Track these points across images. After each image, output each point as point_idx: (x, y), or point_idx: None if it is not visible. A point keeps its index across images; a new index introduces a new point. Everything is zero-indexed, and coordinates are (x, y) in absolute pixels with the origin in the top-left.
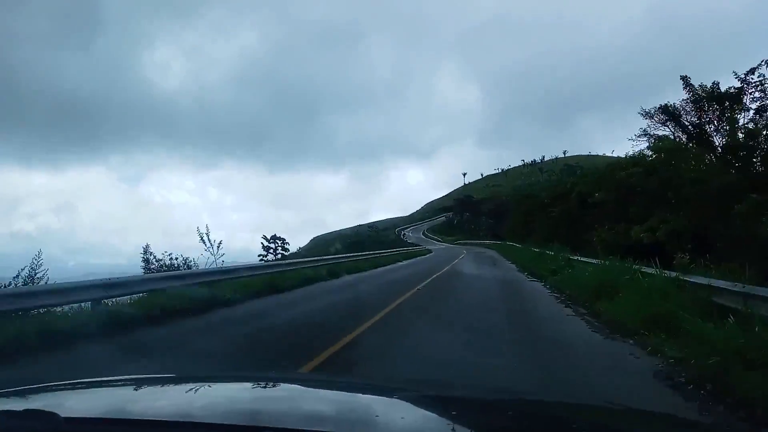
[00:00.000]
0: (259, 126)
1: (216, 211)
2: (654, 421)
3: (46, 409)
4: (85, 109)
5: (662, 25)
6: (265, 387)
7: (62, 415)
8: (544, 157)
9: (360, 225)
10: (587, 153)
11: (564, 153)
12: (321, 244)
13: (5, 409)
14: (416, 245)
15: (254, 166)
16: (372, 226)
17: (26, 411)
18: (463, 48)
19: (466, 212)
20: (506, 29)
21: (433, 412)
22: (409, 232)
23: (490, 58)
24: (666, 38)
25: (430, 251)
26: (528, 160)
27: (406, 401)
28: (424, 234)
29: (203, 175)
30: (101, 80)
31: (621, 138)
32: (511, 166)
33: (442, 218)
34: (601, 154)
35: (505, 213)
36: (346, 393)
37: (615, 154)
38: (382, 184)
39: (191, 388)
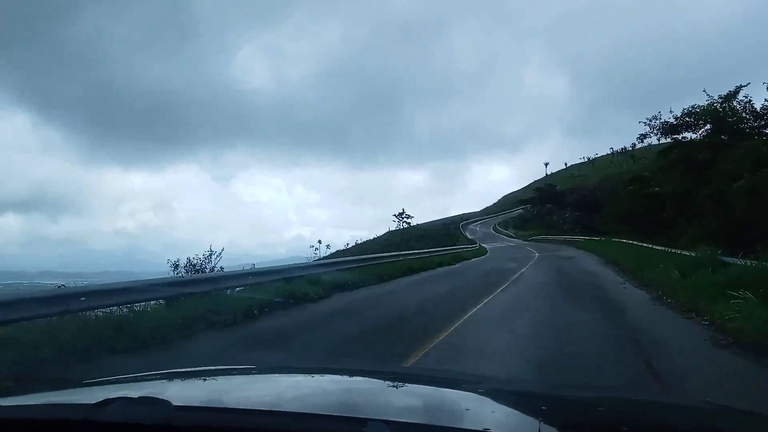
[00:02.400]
0: (342, 123)
1: (301, 208)
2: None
3: (159, 397)
4: (177, 112)
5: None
6: (371, 378)
7: (173, 403)
8: (635, 144)
9: (434, 220)
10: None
11: (658, 139)
12: (369, 241)
13: (121, 395)
14: (471, 244)
15: (338, 163)
16: (411, 225)
17: (141, 398)
18: (550, 35)
19: (546, 203)
20: (596, 14)
21: (522, 408)
22: (476, 226)
23: (579, 45)
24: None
25: (483, 252)
26: (617, 148)
27: (492, 396)
28: (494, 228)
29: (289, 173)
30: (192, 84)
31: None
32: (598, 155)
33: (519, 211)
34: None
35: (593, 204)
36: (431, 387)
37: None
38: (464, 178)
39: (292, 379)
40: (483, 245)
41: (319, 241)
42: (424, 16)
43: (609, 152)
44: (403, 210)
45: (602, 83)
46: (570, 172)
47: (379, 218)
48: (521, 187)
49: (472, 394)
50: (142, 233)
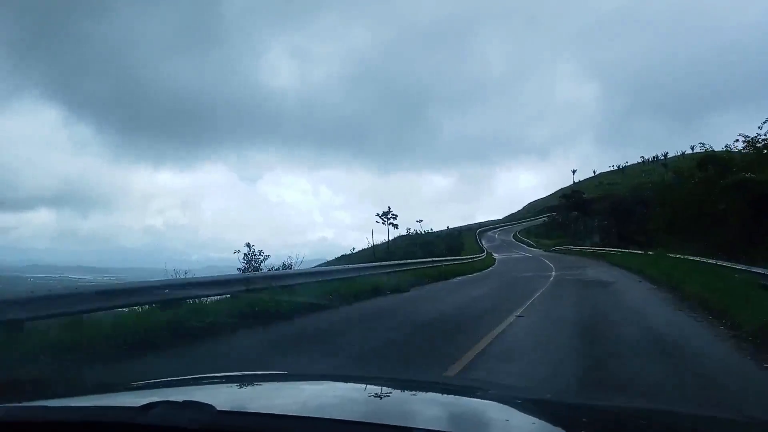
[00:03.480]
0: (368, 126)
1: (326, 210)
2: None
3: (203, 401)
4: (205, 112)
5: None
6: (410, 388)
7: (217, 408)
8: (667, 153)
9: (456, 227)
10: (721, 148)
11: (692, 148)
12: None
13: (166, 399)
14: (478, 254)
15: (362, 165)
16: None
17: (185, 402)
18: (582, 41)
19: (573, 211)
20: (630, 22)
21: (561, 419)
22: (495, 233)
23: (611, 52)
24: None
25: (485, 266)
26: (648, 156)
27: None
28: (514, 236)
29: (314, 174)
30: (220, 84)
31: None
32: (629, 163)
33: (543, 218)
34: (737, 149)
35: (623, 213)
36: (469, 397)
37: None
38: (490, 185)
39: (334, 386)
40: (495, 255)
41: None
42: (452, 20)
43: (640, 161)
44: (389, 209)
45: (633, 91)
46: (599, 179)
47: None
48: (547, 195)
49: (508, 405)
50: (169, 231)
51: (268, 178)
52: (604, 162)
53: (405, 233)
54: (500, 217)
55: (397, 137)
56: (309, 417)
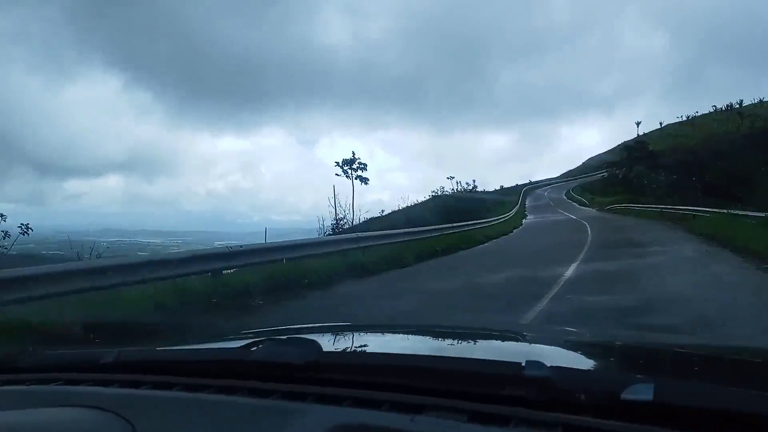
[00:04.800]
0: (423, 83)
1: (381, 173)
2: None
3: (308, 338)
4: (262, 74)
5: None
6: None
7: (323, 347)
8: (742, 101)
9: (506, 187)
10: None
11: None
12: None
13: (270, 337)
14: (501, 216)
15: (418, 125)
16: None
17: (289, 338)
18: None
19: (636, 164)
20: None
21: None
22: (545, 191)
23: None
24: None
25: (496, 236)
26: (720, 105)
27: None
28: (566, 194)
29: (369, 136)
30: (276, 45)
31: None
32: (699, 113)
33: (602, 174)
34: None
35: (695, 166)
36: (551, 339)
37: None
38: (551, 141)
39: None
40: (529, 218)
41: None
42: None
43: (711, 110)
44: (353, 155)
45: (704, 36)
46: (666, 131)
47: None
48: (609, 149)
49: (608, 347)
50: (231, 195)
51: (325, 141)
52: (673, 114)
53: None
54: (557, 175)
55: (454, 94)
56: (414, 354)
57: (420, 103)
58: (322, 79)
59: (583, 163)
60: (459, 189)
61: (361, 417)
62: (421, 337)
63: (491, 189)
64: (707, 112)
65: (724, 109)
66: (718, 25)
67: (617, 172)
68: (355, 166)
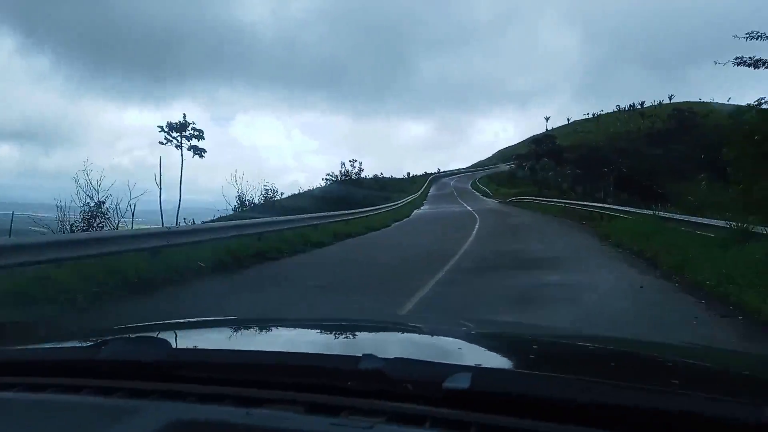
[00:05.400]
0: (345, 67)
1: (300, 155)
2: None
3: (158, 337)
4: (175, 46)
5: None
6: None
7: (172, 345)
8: (644, 102)
9: (414, 175)
10: (698, 100)
11: (670, 98)
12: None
13: (119, 336)
14: (399, 201)
15: (338, 109)
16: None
17: (139, 337)
18: None
19: (543, 158)
20: None
21: (513, 347)
22: (452, 180)
23: (597, 1)
24: None
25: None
26: (624, 105)
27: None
28: (472, 184)
29: (288, 117)
30: (189, 16)
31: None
32: (605, 112)
33: (509, 165)
34: (716, 101)
35: (598, 162)
36: (422, 330)
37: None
38: (468, 132)
39: (286, 328)
40: (422, 208)
41: None
42: None
43: (616, 110)
44: (184, 118)
45: (614, 41)
46: (573, 127)
47: (374, 168)
48: (518, 142)
49: (463, 337)
50: (138, 170)
51: (241, 120)
52: (581, 112)
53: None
54: (467, 165)
55: (376, 81)
56: (259, 351)
57: (342, 88)
58: (241, 56)
59: (494, 155)
60: (351, 173)
61: (200, 412)
62: (282, 331)
63: (400, 176)
64: (612, 111)
65: (627, 109)
66: (627, 30)
67: (524, 164)
68: (187, 133)
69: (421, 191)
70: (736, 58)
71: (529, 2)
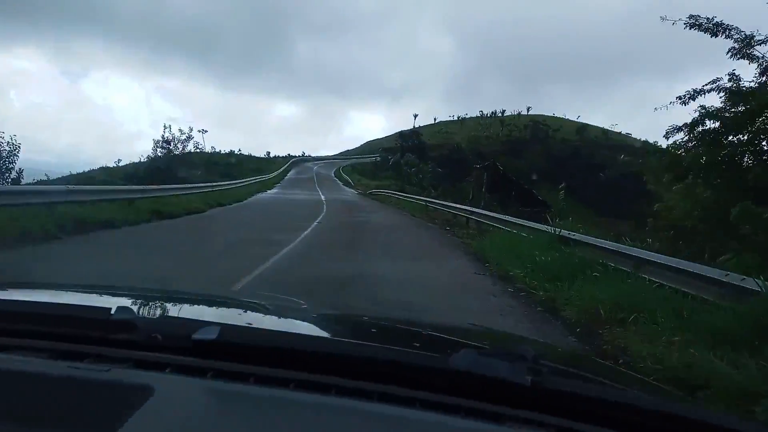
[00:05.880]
0: (215, 34)
1: (159, 122)
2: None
3: None
4: None
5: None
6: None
7: None
8: (504, 111)
9: (275, 156)
10: (551, 114)
11: (528, 110)
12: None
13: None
14: (244, 179)
15: (206, 78)
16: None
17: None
18: None
19: (408, 153)
20: None
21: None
22: (315, 165)
23: (473, 13)
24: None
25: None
26: (486, 112)
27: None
28: (336, 172)
29: (148, 80)
30: None
31: (588, 107)
32: (468, 116)
33: (375, 157)
34: (567, 117)
35: (459, 162)
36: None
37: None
38: (339, 121)
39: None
40: (272, 191)
41: None
42: None
43: (479, 115)
44: None
45: (483, 52)
46: (439, 127)
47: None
48: (387, 135)
49: (238, 305)
50: None
51: (97, 77)
52: (447, 113)
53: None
54: (335, 153)
55: (249, 55)
56: (19, 300)
57: (210, 57)
58: (96, 6)
59: (362, 146)
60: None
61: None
62: (53, 291)
63: (258, 155)
64: (475, 115)
65: (489, 115)
66: (495, 44)
67: (390, 157)
68: None
69: (277, 173)
70: None
71: (410, 2)
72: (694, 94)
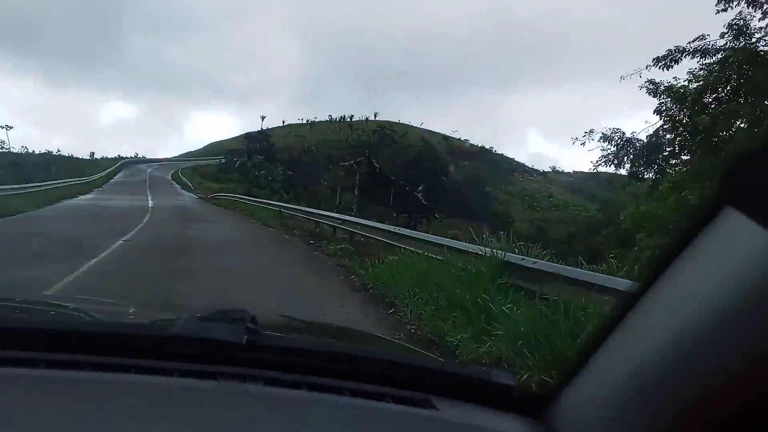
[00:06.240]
0: (38, 24)
1: None
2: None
3: None
4: None
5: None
6: None
7: None
8: (353, 116)
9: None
10: (397, 120)
11: (375, 116)
12: None
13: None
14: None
15: (27, 72)
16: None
17: None
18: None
19: (257, 154)
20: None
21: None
22: (149, 167)
23: (321, 18)
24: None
25: None
26: (335, 116)
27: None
28: (173, 176)
29: None
30: None
31: (430, 114)
32: (318, 119)
33: (220, 159)
34: (411, 123)
35: (310, 166)
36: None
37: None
38: (181, 121)
39: None
40: (85, 197)
41: None
42: None
43: (328, 119)
44: None
45: (331, 57)
46: (288, 130)
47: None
48: (234, 136)
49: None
50: None
51: None
52: (296, 116)
53: None
54: (177, 154)
55: (77, 47)
56: None
57: (33, 47)
58: None
59: (205, 147)
60: None
61: None
62: None
63: (82, 156)
64: (324, 120)
65: (338, 120)
66: (343, 50)
67: (236, 159)
68: None
69: (100, 176)
70: None
71: (256, 4)
72: (677, 55)
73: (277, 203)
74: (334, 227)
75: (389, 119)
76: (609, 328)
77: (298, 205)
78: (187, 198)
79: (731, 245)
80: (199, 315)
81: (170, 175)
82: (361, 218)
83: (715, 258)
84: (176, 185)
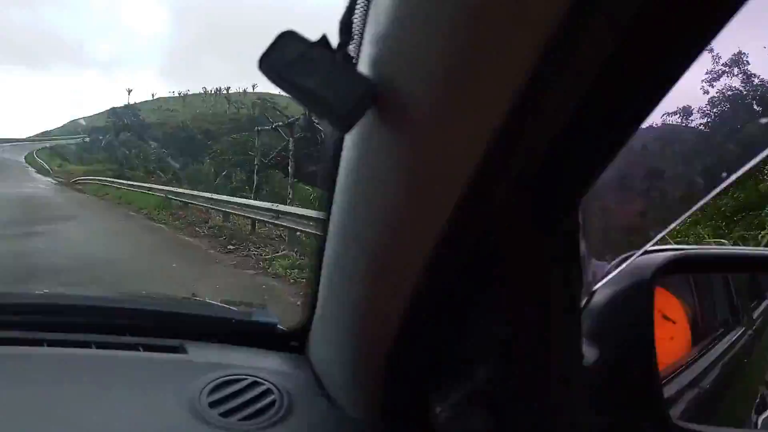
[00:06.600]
0: None
1: None
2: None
3: None
4: None
5: None
6: None
7: None
8: (229, 88)
9: None
10: (278, 92)
11: (254, 87)
12: None
13: None
14: None
15: None
16: None
17: None
18: None
19: (126, 131)
20: None
21: None
22: None
23: None
24: None
25: None
26: (210, 89)
27: None
28: (26, 157)
29: None
30: None
31: None
32: (191, 92)
33: (85, 138)
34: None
35: (186, 141)
36: None
37: None
38: (33, 96)
39: None
40: None
41: None
42: None
43: (202, 92)
44: None
45: (202, 27)
46: (158, 104)
47: None
48: (97, 113)
49: None
50: None
51: None
52: (167, 89)
53: None
54: (32, 134)
55: None
56: None
57: None
58: None
59: (65, 125)
60: None
61: None
62: None
63: None
64: (198, 92)
65: (213, 92)
66: (214, 20)
67: (101, 138)
68: None
69: None
70: None
71: None
72: None
73: (161, 187)
74: (253, 220)
75: (270, 90)
76: (321, 248)
77: (180, 187)
78: (44, 183)
79: None
80: None
81: (24, 157)
82: (305, 208)
83: None
84: (30, 169)
